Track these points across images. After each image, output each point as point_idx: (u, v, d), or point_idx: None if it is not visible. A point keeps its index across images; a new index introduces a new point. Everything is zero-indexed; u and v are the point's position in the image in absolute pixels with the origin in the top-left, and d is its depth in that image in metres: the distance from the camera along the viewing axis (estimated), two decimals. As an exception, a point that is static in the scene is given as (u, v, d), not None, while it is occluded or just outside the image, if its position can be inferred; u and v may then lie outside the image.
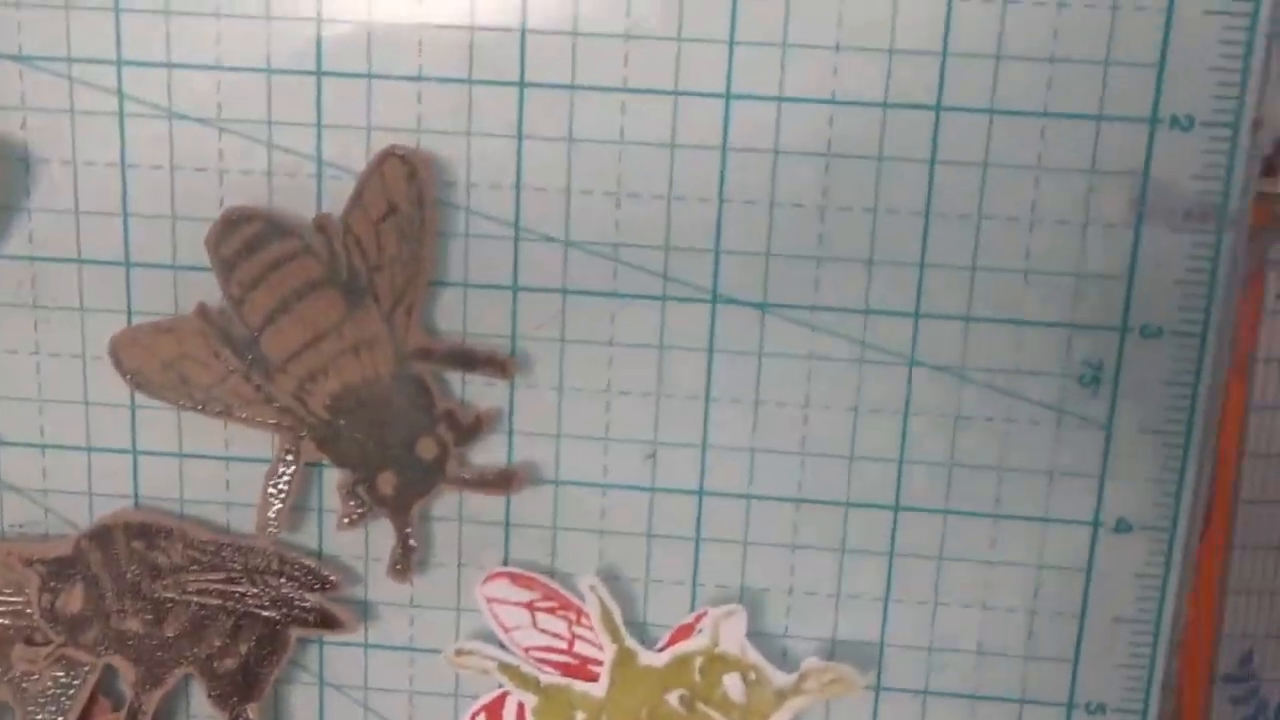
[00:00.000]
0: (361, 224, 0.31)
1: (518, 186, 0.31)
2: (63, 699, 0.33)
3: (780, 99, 0.30)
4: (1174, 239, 0.30)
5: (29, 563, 0.33)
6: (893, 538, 0.32)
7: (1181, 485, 0.31)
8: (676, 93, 0.30)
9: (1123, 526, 0.32)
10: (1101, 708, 0.33)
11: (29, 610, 0.33)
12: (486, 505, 0.33)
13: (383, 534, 0.33)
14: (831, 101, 0.30)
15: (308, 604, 0.33)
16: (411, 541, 0.33)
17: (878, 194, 0.31)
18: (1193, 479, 0.31)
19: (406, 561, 0.33)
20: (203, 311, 0.32)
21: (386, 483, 0.32)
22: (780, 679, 0.32)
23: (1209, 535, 0.38)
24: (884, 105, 0.30)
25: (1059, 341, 0.31)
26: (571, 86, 0.31)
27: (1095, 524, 0.32)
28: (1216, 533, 0.38)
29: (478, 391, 0.32)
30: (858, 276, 0.31)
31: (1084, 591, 0.32)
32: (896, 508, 0.32)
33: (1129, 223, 0.30)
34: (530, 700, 0.33)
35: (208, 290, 0.32)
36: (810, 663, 0.32)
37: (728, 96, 0.30)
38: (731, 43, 0.30)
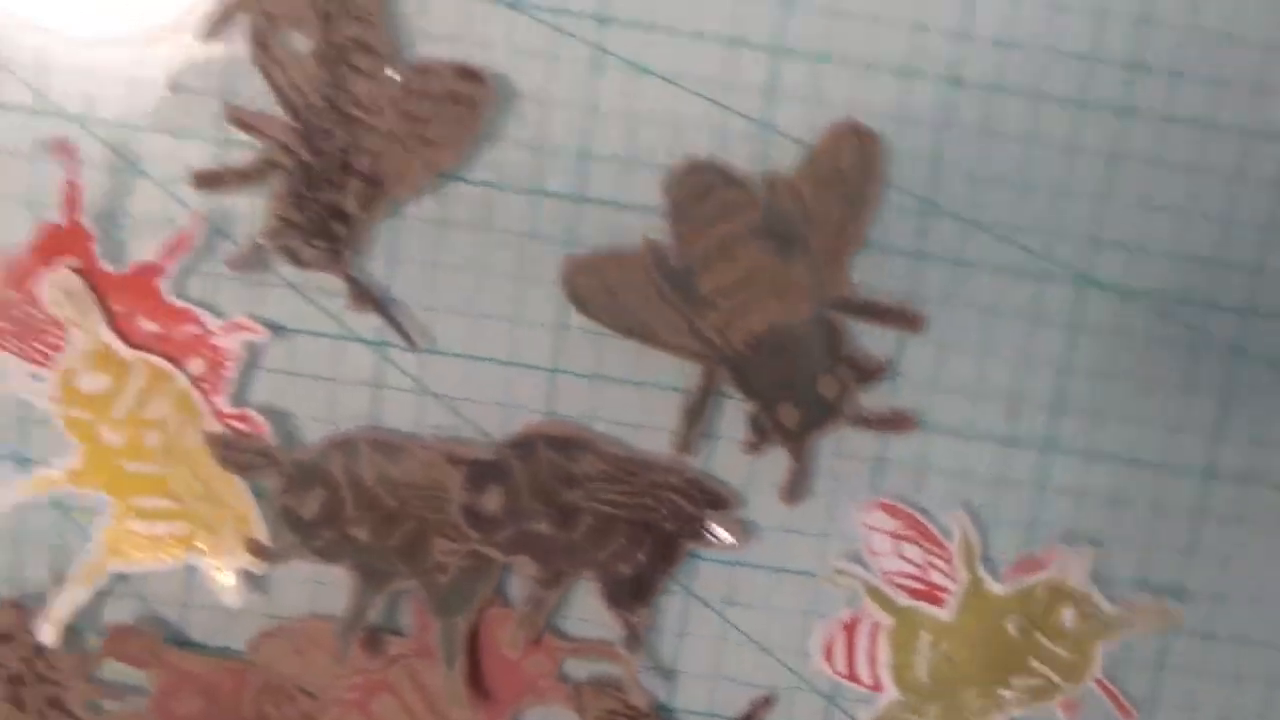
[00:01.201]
0: (808, 185, 0.35)
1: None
2: (467, 593, 0.36)
3: None
4: None
5: (455, 462, 0.35)
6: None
7: None
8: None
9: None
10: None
11: (443, 509, 0.36)
12: (861, 443, 0.37)
13: (762, 462, 0.37)
14: None
15: (702, 519, 0.36)
16: (804, 470, 0.37)
17: None
18: None
19: (801, 488, 0.37)
20: (651, 245, 0.35)
21: (789, 415, 0.36)
22: (1110, 611, 0.37)
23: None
24: None
25: None
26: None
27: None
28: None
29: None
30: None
31: None
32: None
33: None
34: (886, 620, 0.37)
35: (642, 230, 0.36)
36: (1140, 597, 0.37)
37: None
38: None
